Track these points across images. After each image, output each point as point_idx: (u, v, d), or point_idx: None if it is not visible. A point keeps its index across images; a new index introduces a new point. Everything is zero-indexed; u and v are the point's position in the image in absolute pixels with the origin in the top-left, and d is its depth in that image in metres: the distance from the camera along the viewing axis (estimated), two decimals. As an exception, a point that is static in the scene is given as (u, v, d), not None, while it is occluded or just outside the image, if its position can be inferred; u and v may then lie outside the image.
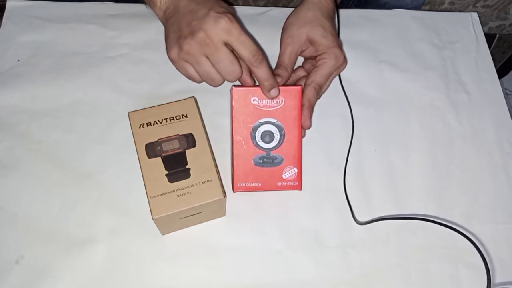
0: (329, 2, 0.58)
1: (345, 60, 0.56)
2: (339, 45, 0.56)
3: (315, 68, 0.54)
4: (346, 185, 0.53)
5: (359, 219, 0.52)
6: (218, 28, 0.45)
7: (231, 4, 0.58)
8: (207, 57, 0.46)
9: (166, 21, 0.50)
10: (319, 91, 0.53)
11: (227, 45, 0.46)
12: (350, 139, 0.56)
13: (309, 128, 0.52)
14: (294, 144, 0.50)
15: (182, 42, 0.46)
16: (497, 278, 0.50)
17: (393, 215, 0.52)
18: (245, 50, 0.46)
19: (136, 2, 0.58)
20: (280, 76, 0.53)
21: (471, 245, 0.51)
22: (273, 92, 0.49)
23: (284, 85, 0.54)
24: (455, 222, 0.52)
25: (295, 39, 0.55)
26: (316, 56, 0.55)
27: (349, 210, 0.52)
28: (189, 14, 0.47)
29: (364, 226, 0.51)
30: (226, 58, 0.46)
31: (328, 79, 0.55)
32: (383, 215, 0.52)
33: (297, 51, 0.55)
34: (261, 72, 0.47)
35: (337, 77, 0.60)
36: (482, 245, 0.51)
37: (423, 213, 0.53)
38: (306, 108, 0.51)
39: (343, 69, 0.57)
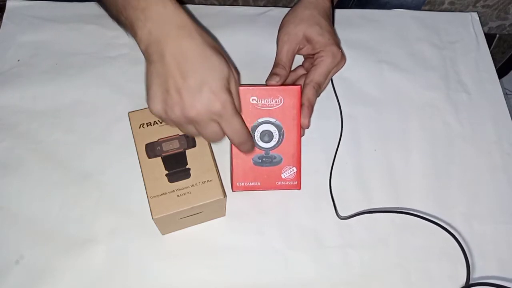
0: (326, 1, 0.58)
1: (343, 58, 0.56)
2: (337, 43, 0.56)
3: (313, 66, 0.54)
4: (343, 185, 0.53)
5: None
6: (209, 109, 0.40)
7: (232, 2, 0.58)
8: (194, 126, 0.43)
9: (148, 60, 0.43)
10: (318, 90, 0.53)
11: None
12: (338, 139, 0.56)
13: (308, 128, 0.52)
14: (293, 143, 0.50)
15: (168, 108, 0.41)
16: (497, 278, 0.50)
17: (373, 209, 0.53)
18: (231, 135, 0.43)
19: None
20: (278, 75, 0.54)
21: (471, 245, 0.52)
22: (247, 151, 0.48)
23: (283, 84, 0.54)
24: (450, 221, 0.52)
25: (291, 37, 0.55)
26: (314, 54, 0.55)
27: (332, 205, 0.52)
28: (178, 75, 0.40)
29: (363, 225, 0.51)
30: (214, 135, 0.43)
31: (327, 77, 0.55)
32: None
33: (294, 49, 0.55)
34: (241, 150, 0.47)
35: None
36: (475, 245, 0.52)
37: (422, 213, 0.53)
38: (306, 108, 0.51)
39: (342, 66, 0.57)
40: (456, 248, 0.50)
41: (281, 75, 0.54)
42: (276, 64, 0.55)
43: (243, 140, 0.45)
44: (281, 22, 0.58)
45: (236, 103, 0.43)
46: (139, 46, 0.44)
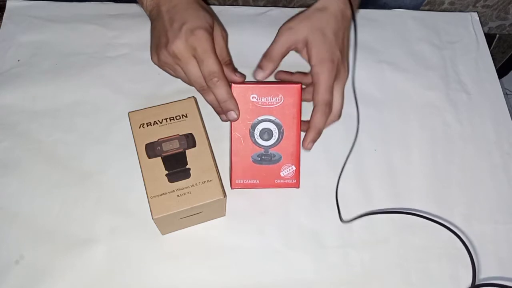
0: (341, 5, 0.52)
1: (341, 72, 0.51)
2: (332, 59, 0.50)
3: (314, 86, 0.50)
4: (343, 185, 0.53)
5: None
6: (187, 44, 0.47)
7: (220, 4, 0.58)
8: (181, 67, 0.49)
9: (151, 22, 0.53)
10: (327, 111, 0.49)
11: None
12: (353, 140, 0.55)
13: (308, 150, 0.50)
14: (293, 142, 0.50)
15: (159, 51, 0.50)
16: (497, 279, 0.50)
17: (376, 210, 0.52)
18: (203, 69, 0.48)
19: (136, 2, 0.58)
20: (262, 70, 0.51)
21: (471, 245, 0.51)
22: (230, 115, 0.49)
23: (283, 82, 0.54)
24: (450, 221, 0.53)
25: (292, 31, 0.51)
26: (311, 67, 0.51)
27: (337, 209, 0.51)
28: (167, 23, 0.49)
29: (363, 225, 0.51)
30: (195, 72, 0.48)
31: (331, 92, 0.50)
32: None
33: (290, 45, 0.51)
34: (216, 94, 0.48)
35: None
36: (475, 245, 0.52)
37: (422, 213, 0.53)
38: (311, 131, 0.49)
39: (345, 80, 0.53)
40: (456, 248, 0.50)
41: (265, 68, 0.51)
42: (264, 55, 0.51)
43: (216, 81, 0.47)
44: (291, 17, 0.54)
45: (220, 53, 0.51)
46: (145, 12, 0.54)
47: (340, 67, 0.51)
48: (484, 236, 0.52)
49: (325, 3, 0.52)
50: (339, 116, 0.52)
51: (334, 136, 0.57)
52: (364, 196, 0.53)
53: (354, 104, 0.59)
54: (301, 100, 0.50)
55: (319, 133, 0.50)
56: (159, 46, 0.50)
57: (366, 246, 0.51)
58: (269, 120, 0.50)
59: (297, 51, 0.54)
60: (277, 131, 0.50)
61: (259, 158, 0.50)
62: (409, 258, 0.50)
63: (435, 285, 0.49)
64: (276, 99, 0.49)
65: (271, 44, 0.52)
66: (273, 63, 0.51)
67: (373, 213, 0.52)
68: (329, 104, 0.50)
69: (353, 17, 0.54)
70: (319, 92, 0.49)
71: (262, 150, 0.50)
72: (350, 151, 0.55)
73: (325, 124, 0.50)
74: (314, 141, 0.50)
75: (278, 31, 0.53)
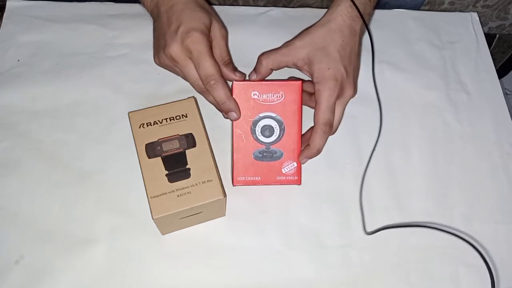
0: (348, 19, 0.51)
1: (346, 90, 0.50)
2: (337, 76, 0.49)
3: (316, 104, 0.49)
4: (342, 185, 0.53)
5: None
6: (183, 47, 0.47)
7: (216, 4, 0.57)
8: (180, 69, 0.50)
9: (153, 22, 0.53)
10: (327, 130, 0.49)
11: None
12: (374, 143, 0.54)
13: (302, 164, 0.51)
14: (294, 138, 0.50)
15: (159, 53, 0.50)
16: (497, 279, 0.50)
17: (397, 224, 0.52)
18: (200, 71, 0.47)
19: (136, 2, 0.58)
20: (255, 73, 0.52)
21: (471, 245, 0.51)
22: (231, 115, 0.49)
23: (284, 80, 0.54)
24: (457, 228, 0.52)
25: (292, 49, 0.51)
26: (314, 83, 0.50)
27: (361, 218, 0.51)
28: (165, 25, 0.49)
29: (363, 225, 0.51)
30: (193, 74, 0.49)
31: (333, 110, 0.49)
32: (383, 215, 0.52)
33: (287, 61, 0.51)
34: (214, 96, 0.48)
35: (372, 79, 0.56)
36: (482, 245, 0.51)
37: (422, 213, 0.53)
38: (309, 148, 0.49)
39: (349, 97, 0.51)
40: (456, 249, 0.50)
41: (258, 74, 0.52)
42: (258, 58, 0.52)
43: (213, 83, 0.47)
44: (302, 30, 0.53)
45: (220, 52, 0.51)
46: (147, 11, 0.54)
47: (345, 84, 0.50)
48: (484, 236, 0.52)
49: (330, 18, 0.51)
50: (335, 131, 0.52)
51: (334, 136, 0.56)
52: (364, 196, 0.53)
53: (355, 105, 0.59)
54: (302, 96, 0.50)
55: (317, 153, 0.50)
56: (159, 48, 0.50)
57: (366, 246, 0.51)
58: (270, 117, 0.50)
59: (297, 68, 0.53)
60: (278, 128, 0.50)
61: (261, 155, 0.50)
62: (409, 258, 0.50)
63: (435, 285, 0.49)
64: (277, 96, 0.50)
65: (270, 51, 0.52)
66: (264, 70, 0.52)
67: (394, 227, 0.51)
68: (329, 124, 0.49)
69: (368, 29, 0.53)
70: (319, 110, 0.49)
71: (263, 147, 0.50)
72: (370, 157, 0.55)
73: (324, 144, 0.50)
74: (310, 158, 0.50)
75: (285, 43, 0.52)
